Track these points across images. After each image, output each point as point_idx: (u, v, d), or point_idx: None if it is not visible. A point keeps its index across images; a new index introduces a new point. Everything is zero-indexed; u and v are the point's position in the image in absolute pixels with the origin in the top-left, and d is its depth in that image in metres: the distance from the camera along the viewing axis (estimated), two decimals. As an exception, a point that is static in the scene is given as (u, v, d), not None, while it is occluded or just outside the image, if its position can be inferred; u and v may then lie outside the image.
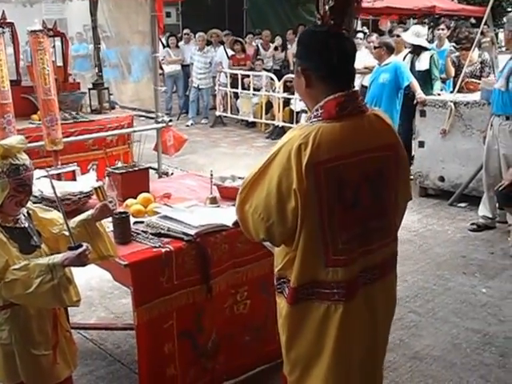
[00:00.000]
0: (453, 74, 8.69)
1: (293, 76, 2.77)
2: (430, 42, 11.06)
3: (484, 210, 7.07)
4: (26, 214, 3.02)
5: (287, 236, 2.50)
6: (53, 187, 2.95)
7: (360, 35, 12.07)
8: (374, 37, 10.85)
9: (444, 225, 7.32)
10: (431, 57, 8.93)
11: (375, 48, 8.90)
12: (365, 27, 18.86)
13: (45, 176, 3.57)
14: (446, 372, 4.30)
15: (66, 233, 2.95)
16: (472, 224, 7.15)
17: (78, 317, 4.91)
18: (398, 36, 9.52)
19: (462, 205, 7.93)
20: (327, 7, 2.65)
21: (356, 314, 2.58)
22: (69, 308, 4.25)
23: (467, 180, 7.70)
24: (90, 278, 5.45)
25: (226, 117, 14.17)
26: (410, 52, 9.17)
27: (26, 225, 2.98)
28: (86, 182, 4.17)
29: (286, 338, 2.69)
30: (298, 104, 11.62)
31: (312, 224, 2.43)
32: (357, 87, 9.11)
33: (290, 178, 2.37)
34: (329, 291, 2.52)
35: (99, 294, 5.41)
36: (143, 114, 8.72)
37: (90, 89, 8.15)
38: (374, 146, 2.52)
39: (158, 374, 3.51)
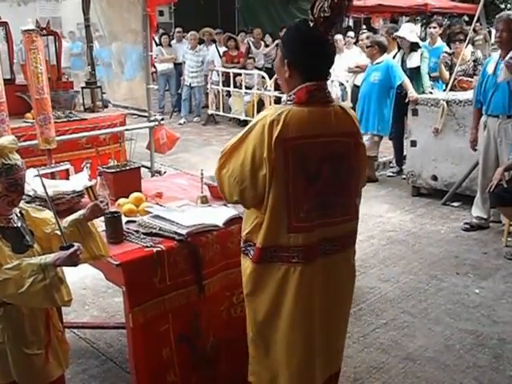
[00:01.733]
0: (447, 77, 8.66)
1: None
2: (423, 39, 11.07)
3: (477, 210, 7.04)
4: (18, 214, 3.02)
5: (257, 200, 2.86)
6: (44, 187, 2.94)
7: (351, 33, 12.06)
8: (365, 35, 10.84)
9: (437, 224, 7.30)
10: (421, 54, 8.96)
11: (367, 47, 8.91)
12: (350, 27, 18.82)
13: (36, 175, 3.56)
14: (439, 373, 4.29)
15: (59, 232, 2.95)
16: (465, 224, 7.12)
17: (72, 315, 4.92)
18: (391, 34, 9.48)
19: (455, 204, 7.92)
20: (322, 15, 2.76)
21: (313, 277, 2.92)
22: (62, 307, 4.27)
23: (460, 179, 7.69)
24: (83, 277, 5.46)
25: (218, 115, 14.17)
26: (399, 49, 9.17)
27: (19, 224, 2.98)
28: (79, 181, 4.17)
29: (248, 292, 3.05)
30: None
31: (278, 192, 2.79)
32: (349, 87, 9.22)
33: (263, 148, 2.74)
34: (289, 255, 2.87)
35: (92, 293, 5.41)
36: (136, 112, 8.71)
37: (83, 87, 8.14)
38: (336, 131, 2.87)
39: (157, 380, 3.49)
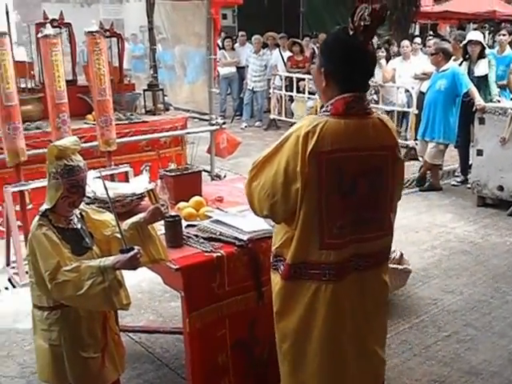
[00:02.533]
0: None
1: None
2: (491, 47, 10.83)
3: None
4: (78, 216, 3.03)
5: (288, 214, 2.74)
6: (105, 189, 2.94)
7: (417, 40, 11.86)
8: (432, 42, 10.65)
9: (502, 235, 7.10)
10: (489, 61, 8.77)
11: (432, 54, 8.75)
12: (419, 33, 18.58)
13: (97, 177, 3.56)
14: (502, 389, 4.16)
15: (118, 235, 2.93)
16: (533, 235, 6.91)
17: (127, 319, 4.91)
18: (459, 41, 9.30)
19: (522, 215, 7.74)
20: (363, 23, 2.66)
21: (345, 295, 2.80)
22: (118, 310, 4.27)
23: (527, 190, 7.47)
24: (140, 281, 5.46)
25: (280, 120, 14.08)
26: (466, 58, 8.98)
27: (79, 226, 2.98)
28: (139, 183, 4.14)
29: (277, 310, 2.93)
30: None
31: (311, 207, 2.66)
32: (414, 94, 9.09)
33: (297, 161, 2.62)
34: (320, 272, 2.75)
35: (149, 297, 5.39)
36: (197, 115, 8.72)
37: (144, 90, 8.19)
38: (374, 145, 2.74)
39: (212, 386, 3.45)
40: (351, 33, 2.69)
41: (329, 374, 2.86)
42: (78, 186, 2.86)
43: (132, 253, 2.77)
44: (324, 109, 2.74)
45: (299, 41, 15.03)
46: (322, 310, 2.77)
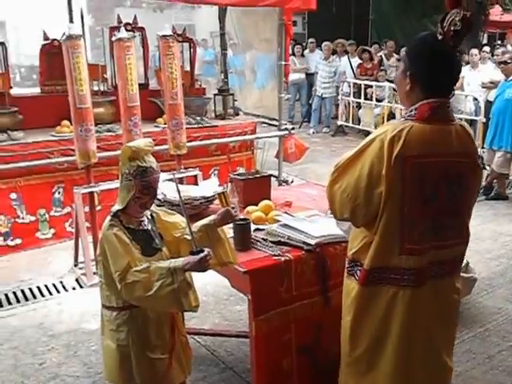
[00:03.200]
0: None
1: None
2: None
3: None
4: (149, 217, 3.05)
5: (368, 218, 2.73)
6: (178, 191, 2.95)
7: (486, 48, 11.65)
8: (500, 51, 10.45)
9: None
10: None
11: (506, 63, 8.56)
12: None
13: (170, 179, 3.59)
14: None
15: (188, 237, 2.95)
16: None
17: (192, 321, 4.92)
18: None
19: None
20: (452, 28, 2.66)
21: (422, 302, 2.78)
22: (184, 313, 4.29)
23: None
24: (206, 284, 5.47)
25: (347, 126, 14.04)
26: None
27: (149, 227, 3.01)
28: (209, 187, 4.17)
29: (353, 317, 2.89)
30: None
31: (393, 211, 2.66)
32: (482, 102, 8.95)
33: (381, 165, 2.61)
34: (399, 277, 2.75)
35: (214, 300, 5.41)
36: (266, 121, 8.74)
37: (215, 94, 8.26)
38: (456, 151, 2.73)
39: (276, 392, 3.43)
40: (440, 38, 2.69)
41: (401, 378, 2.85)
42: (150, 187, 2.88)
43: (202, 254, 2.77)
44: (408, 113, 2.73)
45: (369, 48, 14.94)
46: (400, 313, 2.77)
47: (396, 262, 2.72)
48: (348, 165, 2.76)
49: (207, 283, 5.48)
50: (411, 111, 2.71)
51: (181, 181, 5.98)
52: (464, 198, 2.81)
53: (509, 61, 8.56)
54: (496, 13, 16.36)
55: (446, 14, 2.68)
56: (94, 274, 5.49)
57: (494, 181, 8.87)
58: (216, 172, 7.64)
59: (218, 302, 5.39)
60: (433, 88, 2.69)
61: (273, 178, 7.03)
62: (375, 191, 2.65)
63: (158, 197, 3.69)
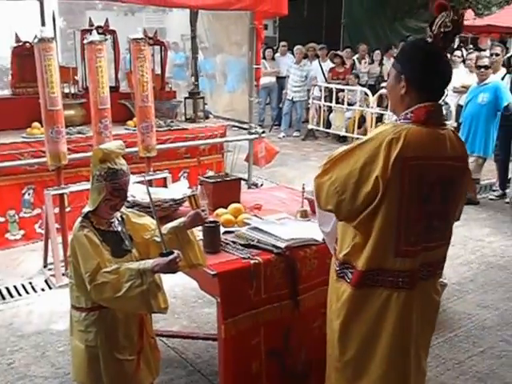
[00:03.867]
0: None
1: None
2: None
3: None
4: (119, 218, 3.06)
5: (351, 215, 2.73)
6: (148, 193, 2.96)
7: (458, 53, 11.77)
8: (474, 55, 10.55)
9: (542, 251, 7.01)
10: None
11: (487, 68, 8.63)
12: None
13: (139, 182, 3.59)
14: (539, 407, 4.10)
15: (158, 239, 2.96)
16: None
17: (161, 323, 4.91)
18: (497, 55, 9.24)
19: (561, 232, 7.61)
20: (443, 30, 2.72)
21: (414, 304, 2.79)
22: (152, 315, 4.28)
23: None
24: (174, 286, 5.47)
25: (318, 130, 14.08)
26: (509, 71, 8.90)
27: (119, 229, 3.01)
28: (178, 189, 4.18)
29: (343, 320, 2.86)
30: (391, 119, 11.46)
31: (390, 213, 2.65)
32: (453, 106, 8.99)
33: (375, 165, 2.62)
34: (393, 279, 2.74)
35: (182, 303, 5.40)
36: (237, 124, 8.76)
37: (185, 97, 8.25)
38: (450, 155, 2.76)
39: (244, 395, 3.44)
40: (430, 40, 2.76)
41: (395, 378, 2.85)
42: (121, 189, 2.89)
43: (171, 256, 2.78)
44: (403, 116, 2.75)
45: (340, 53, 15.02)
46: (393, 316, 2.77)
47: (391, 264, 2.72)
48: (341, 158, 2.75)
49: (176, 285, 5.48)
50: (407, 114, 2.73)
51: (150, 183, 5.98)
52: (454, 200, 2.84)
53: (489, 65, 8.65)
54: (469, 17, 16.55)
55: (435, 17, 2.73)
56: (63, 275, 5.49)
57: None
58: (186, 175, 7.64)
59: (186, 304, 5.38)
60: (427, 90, 2.73)
61: (243, 182, 7.06)
62: (362, 190, 2.65)
63: (128, 199, 3.70)
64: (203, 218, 3.13)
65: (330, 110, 13.71)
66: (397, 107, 2.83)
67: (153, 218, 2.99)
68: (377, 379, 2.83)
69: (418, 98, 2.72)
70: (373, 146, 2.64)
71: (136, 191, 3.86)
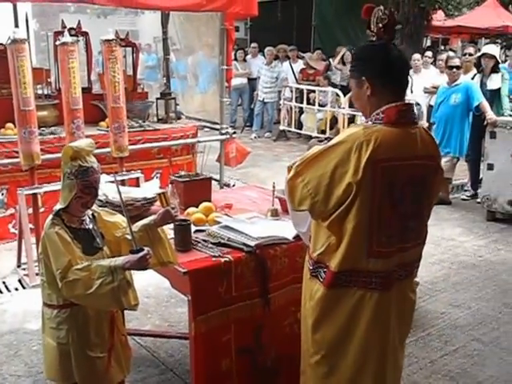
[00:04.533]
0: None
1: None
2: (503, 62, 10.84)
3: None
4: (90, 216, 3.07)
5: (325, 216, 2.72)
6: (119, 192, 2.97)
7: (428, 53, 11.88)
8: (444, 56, 10.66)
9: (512, 251, 7.09)
10: (502, 75, 8.81)
11: (458, 68, 8.73)
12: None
13: (111, 181, 3.60)
14: (509, 406, 4.13)
15: (129, 236, 2.98)
16: (543, 251, 6.88)
17: (134, 323, 4.93)
18: (471, 55, 9.35)
19: (533, 231, 7.69)
20: (381, 25, 2.76)
21: (388, 305, 2.79)
22: (125, 313, 4.29)
23: (538, 205, 7.43)
24: (147, 285, 5.48)
25: (289, 131, 14.14)
26: (479, 71, 9.01)
27: (91, 226, 3.03)
28: (150, 188, 4.20)
29: (315, 320, 2.88)
30: (362, 120, 11.50)
31: (362, 215, 2.64)
32: (424, 107, 9.02)
33: (346, 168, 2.61)
34: (367, 279, 2.74)
35: (155, 302, 5.42)
36: (208, 124, 8.78)
37: (157, 98, 8.27)
38: (421, 154, 2.75)
39: (214, 391, 3.46)
40: (374, 38, 2.77)
41: (369, 378, 2.85)
42: (92, 186, 2.91)
43: (142, 253, 2.81)
44: (374, 116, 2.72)
45: (304, 55, 15.09)
46: (367, 316, 2.77)
47: (364, 265, 2.72)
48: (313, 160, 2.73)
49: (149, 285, 5.49)
50: (378, 114, 2.71)
51: (123, 183, 5.98)
52: (426, 199, 2.85)
53: (460, 65, 8.73)
54: (439, 18, 16.66)
55: (368, 19, 2.77)
56: (37, 274, 5.44)
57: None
58: (158, 175, 7.65)
59: (159, 303, 5.40)
60: (391, 83, 2.72)
61: (215, 182, 7.09)
62: (334, 193, 2.64)
63: (100, 198, 3.71)
64: (173, 216, 3.16)
65: (301, 110, 13.77)
66: (366, 111, 2.82)
67: (124, 216, 3.01)
68: (348, 378, 2.84)
69: (385, 94, 2.72)
70: (344, 149, 2.63)
71: (108, 190, 3.87)
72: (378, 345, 2.81)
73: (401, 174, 2.69)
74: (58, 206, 2.93)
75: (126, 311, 4.43)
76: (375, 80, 2.73)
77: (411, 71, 11.03)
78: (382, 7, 2.75)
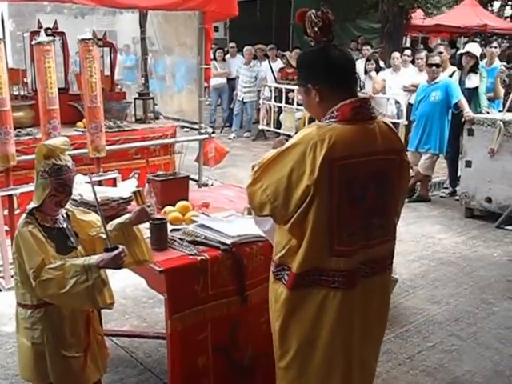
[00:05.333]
0: (502, 94, 8.61)
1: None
2: (481, 59, 10.93)
3: None
4: (64, 215, 3.06)
5: (288, 219, 2.69)
6: (94, 191, 2.96)
7: (407, 52, 11.95)
8: (423, 54, 10.72)
9: (490, 247, 7.13)
10: (480, 73, 8.88)
11: (438, 66, 8.76)
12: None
13: (87, 182, 3.59)
14: (486, 400, 4.14)
15: (103, 235, 2.97)
16: (520, 247, 6.93)
17: (112, 324, 4.92)
18: (441, 53, 9.43)
19: (510, 227, 7.73)
20: (316, 28, 2.78)
21: (354, 303, 2.76)
22: (102, 314, 4.28)
23: (516, 202, 7.48)
24: (124, 286, 5.47)
25: (268, 131, 14.15)
26: (459, 68, 9.08)
27: (64, 225, 3.02)
28: (126, 188, 4.19)
29: (282, 322, 2.84)
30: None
31: (321, 215, 2.62)
32: (404, 105, 9.04)
33: (302, 169, 2.58)
34: (329, 279, 2.71)
35: (133, 303, 5.40)
36: (187, 124, 8.76)
37: (135, 98, 8.23)
38: (382, 149, 2.72)
39: (191, 389, 3.45)
40: (312, 44, 2.78)
41: (337, 377, 2.83)
42: (66, 185, 2.90)
43: (116, 251, 2.80)
44: (329, 115, 2.68)
45: (285, 53, 15.11)
46: (331, 315, 2.74)
47: (326, 265, 2.69)
48: (270, 164, 2.71)
49: (126, 286, 5.48)
50: (332, 113, 2.67)
51: (100, 183, 5.96)
52: (392, 195, 2.82)
53: (440, 63, 8.77)
54: (418, 17, 16.75)
55: (304, 25, 2.80)
56: (13, 277, 5.40)
57: (417, 183, 9.04)
58: (136, 175, 7.61)
59: (137, 304, 5.38)
60: (338, 85, 2.70)
61: (193, 182, 7.08)
62: (294, 195, 2.61)
63: (75, 198, 3.70)
64: (148, 214, 3.16)
65: (280, 110, 13.78)
66: (320, 117, 2.77)
67: (98, 214, 3.00)
68: (318, 378, 2.83)
69: (334, 96, 2.69)
70: (298, 151, 2.61)
71: (83, 190, 3.86)
72: (342, 344, 2.79)
73: (360, 170, 2.66)
74: (32, 205, 2.92)
75: (103, 312, 4.44)
76: (321, 85, 2.71)
77: (390, 70, 11.12)
78: (313, 11, 2.76)
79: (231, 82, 15.21)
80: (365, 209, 2.70)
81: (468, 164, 8.08)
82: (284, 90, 13.33)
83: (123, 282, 5.28)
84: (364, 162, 2.66)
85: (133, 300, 5.44)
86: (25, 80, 7.39)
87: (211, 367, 3.50)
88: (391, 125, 2.87)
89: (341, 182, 2.61)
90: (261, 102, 14.17)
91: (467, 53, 8.99)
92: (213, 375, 3.52)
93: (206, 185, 7.96)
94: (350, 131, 2.63)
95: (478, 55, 9.03)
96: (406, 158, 2.92)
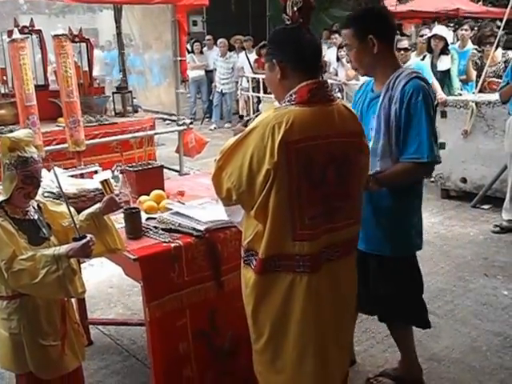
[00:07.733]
0: (474, 77, 8.66)
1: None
2: (453, 43, 10.98)
3: (508, 214, 6.94)
4: (36, 207, 3.08)
5: (253, 205, 2.70)
6: (57, 180, 3.00)
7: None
8: (396, 38, 10.78)
9: (466, 226, 7.19)
10: (451, 56, 8.93)
11: (406, 50, 8.75)
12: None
13: (49, 170, 3.59)
14: (464, 375, 4.20)
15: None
16: (495, 226, 7.00)
17: (98, 313, 5.00)
18: (422, 36, 9.48)
19: (485, 206, 7.80)
20: (295, 8, 2.82)
21: (320, 286, 2.78)
22: (88, 304, 4.34)
23: (490, 181, 7.57)
24: (110, 276, 5.53)
25: (248, 121, 14.13)
26: (429, 51, 9.13)
27: (36, 217, 3.03)
28: (102, 178, 4.22)
29: (253, 306, 2.89)
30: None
31: (281, 199, 2.63)
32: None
33: (262, 153, 2.59)
34: (294, 263, 2.73)
35: (118, 291, 5.46)
36: (165, 116, 8.81)
37: (114, 92, 8.30)
38: (341, 131, 2.74)
39: (173, 374, 3.50)
40: (289, 23, 2.80)
41: (310, 360, 2.85)
42: (33, 176, 2.91)
43: (84, 240, 2.83)
44: (287, 98, 2.71)
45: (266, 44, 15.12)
46: (300, 299, 2.76)
47: (290, 249, 2.71)
48: (231, 152, 2.74)
49: (112, 275, 5.54)
50: (291, 95, 2.69)
51: (82, 177, 6.01)
52: (353, 177, 2.82)
53: (409, 47, 8.81)
54: (391, 3, 16.70)
55: (285, 3, 2.85)
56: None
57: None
58: (119, 168, 7.65)
59: (122, 292, 5.45)
60: (301, 66, 2.72)
61: (175, 173, 7.13)
62: (257, 180, 2.63)
63: (53, 190, 3.72)
64: (118, 203, 3.18)
65: (259, 100, 13.82)
66: (279, 95, 2.81)
67: (66, 204, 3.02)
68: (294, 360, 2.86)
69: (296, 77, 2.72)
70: (257, 135, 2.62)
71: (63, 182, 3.88)
72: (314, 326, 2.81)
73: (319, 153, 2.66)
74: (1, 198, 2.94)
75: (89, 302, 4.50)
76: (285, 63, 2.74)
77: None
78: None
79: (209, 74, 15.29)
80: (326, 192, 2.71)
81: (442, 146, 8.00)
82: (261, 80, 13.35)
83: (110, 272, 5.35)
84: (323, 144, 2.67)
85: (118, 289, 5.51)
86: (4, 78, 7.44)
87: (192, 353, 3.54)
88: (351, 107, 2.91)
89: (299, 165, 2.62)
90: (239, 92, 14.22)
91: (435, 35, 9.04)
92: (194, 360, 3.56)
93: (188, 175, 8.03)
94: (307, 113, 2.64)
95: (447, 37, 9.07)
96: (365, 140, 2.94)
